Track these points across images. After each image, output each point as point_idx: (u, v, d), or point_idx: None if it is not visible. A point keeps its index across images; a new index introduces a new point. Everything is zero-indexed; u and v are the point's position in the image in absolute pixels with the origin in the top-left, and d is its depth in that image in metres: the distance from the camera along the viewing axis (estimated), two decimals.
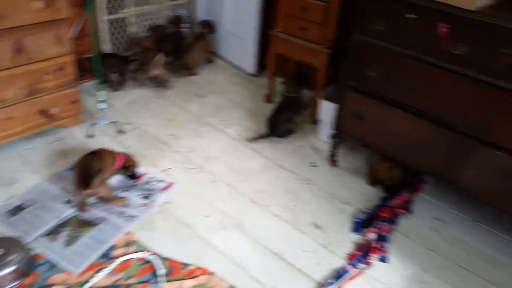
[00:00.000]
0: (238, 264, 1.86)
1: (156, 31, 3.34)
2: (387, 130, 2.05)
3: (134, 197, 2.15)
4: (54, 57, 2.37)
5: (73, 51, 2.49)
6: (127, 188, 2.20)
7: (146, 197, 2.15)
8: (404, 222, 2.12)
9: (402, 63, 1.87)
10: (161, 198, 2.14)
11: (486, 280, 1.84)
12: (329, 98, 2.41)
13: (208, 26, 3.40)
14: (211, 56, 3.54)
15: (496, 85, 1.61)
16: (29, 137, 2.52)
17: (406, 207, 2.16)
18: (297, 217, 2.11)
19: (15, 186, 2.20)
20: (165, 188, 2.20)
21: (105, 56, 3.03)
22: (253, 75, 3.32)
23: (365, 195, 2.27)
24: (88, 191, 1.98)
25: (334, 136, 2.32)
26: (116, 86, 3.07)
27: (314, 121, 2.71)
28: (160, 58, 3.01)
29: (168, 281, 1.73)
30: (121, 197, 2.14)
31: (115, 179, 2.24)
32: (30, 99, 2.38)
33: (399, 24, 1.82)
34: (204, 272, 1.78)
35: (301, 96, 2.72)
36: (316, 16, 2.46)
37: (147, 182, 2.24)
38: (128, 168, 2.17)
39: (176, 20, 3.46)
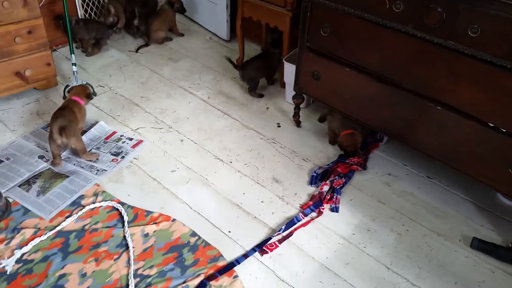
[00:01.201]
0: (199, 212, 2.01)
1: None
2: (340, 89, 2.17)
3: (105, 153, 2.27)
4: (23, 20, 2.44)
5: (45, 17, 2.56)
6: (98, 145, 2.32)
7: (115, 154, 2.27)
8: (358, 177, 2.27)
9: (348, 22, 1.97)
10: (131, 155, 2.27)
11: (429, 229, 2.00)
12: (292, 61, 2.51)
13: (177, 4, 3.31)
14: (176, 33, 3.45)
15: (429, 40, 1.73)
16: (5, 98, 2.62)
17: (361, 164, 2.31)
18: (258, 172, 2.26)
19: None
20: (134, 146, 2.33)
21: (85, 21, 3.10)
22: (226, 40, 3.40)
23: (325, 152, 2.41)
24: (60, 142, 2.10)
25: (294, 97, 2.44)
26: (91, 50, 3.15)
27: (283, 85, 2.82)
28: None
29: (131, 226, 1.88)
30: (93, 152, 2.26)
31: (88, 137, 2.36)
32: (2, 61, 2.46)
33: None
34: (166, 218, 1.93)
35: (279, 53, 2.81)
36: None
37: (118, 140, 2.36)
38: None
39: None
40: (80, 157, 2.22)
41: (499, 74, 1.60)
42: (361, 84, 2.07)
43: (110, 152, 2.28)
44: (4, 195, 1.95)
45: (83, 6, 3.26)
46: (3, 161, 2.18)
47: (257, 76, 2.79)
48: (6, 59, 2.48)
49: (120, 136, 2.39)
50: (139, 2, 3.39)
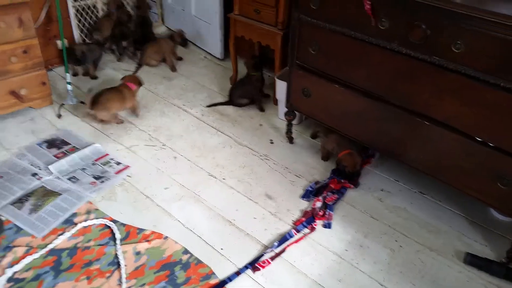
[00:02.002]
0: (191, 229, 2.01)
1: (116, 15, 3.35)
2: (330, 105, 2.20)
3: (87, 175, 2.26)
4: (18, 40, 2.48)
5: (40, 37, 2.60)
6: (85, 166, 2.32)
7: (97, 178, 2.26)
8: (351, 193, 2.28)
9: (336, 40, 2.01)
10: (112, 181, 2.24)
11: (422, 245, 2.01)
12: (284, 78, 2.55)
13: (177, 38, 3.31)
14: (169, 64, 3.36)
15: (414, 57, 1.77)
16: (0, 117, 2.64)
17: (354, 182, 2.31)
18: (250, 188, 2.27)
19: None
20: (119, 172, 2.31)
21: (88, 49, 3.09)
22: (220, 59, 3.44)
23: (317, 168, 2.42)
24: (91, 111, 2.61)
25: (286, 114, 2.47)
26: (93, 72, 3.17)
27: (275, 102, 2.86)
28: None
29: (123, 244, 1.88)
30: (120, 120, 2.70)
31: (78, 156, 2.37)
32: None
33: (330, 2, 1.96)
34: (158, 236, 1.93)
35: (260, 75, 2.88)
36: None
37: (106, 163, 2.36)
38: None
39: (142, 5, 3.46)
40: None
41: (482, 88, 1.64)
42: (349, 100, 2.10)
43: (92, 175, 2.27)
44: None
45: (78, 26, 3.31)
46: None
47: (244, 100, 2.89)
48: (1, 78, 2.51)
49: (110, 159, 2.39)
50: (133, 23, 3.43)
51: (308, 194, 2.22)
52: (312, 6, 2.03)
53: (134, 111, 2.78)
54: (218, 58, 3.46)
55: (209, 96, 3.03)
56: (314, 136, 2.65)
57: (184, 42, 3.35)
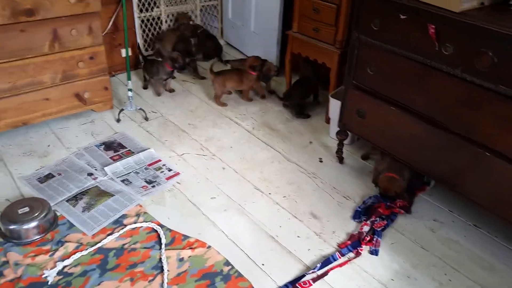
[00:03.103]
0: (234, 241, 2.01)
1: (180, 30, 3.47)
2: (386, 128, 2.14)
3: (140, 179, 2.34)
4: (87, 47, 2.64)
5: (106, 44, 2.75)
6: (138, 170, 2.40)
7: (148, 182, 2.33)
8: (402, 220, 2.19)
9: (395, 62, 1.96)
10: (162, 186, 2.30)
11: (474, 282, 1.88)
12: (338, 97, 2.52)
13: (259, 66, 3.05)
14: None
15: (479, 85, 1.68)
16: (63, 118, 2.81)
17: (405, 208, 2.23)
18: (296, 206, 2.24)
19: (47, 158, 2.47)
20: (169, 178, 2.37)
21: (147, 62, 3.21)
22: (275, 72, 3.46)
23: (367, 192, 2.35)
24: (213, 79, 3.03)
25: (338, 133, 2.43)
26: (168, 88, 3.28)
27: (328, 120, 2.83)
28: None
29: (168, 249, 1.91)
30: (223, 103, 3.07)
31: (133, 160, 2.46)
32: (64, 83, 2.66)
33: (392, 24, 1.92)
34: (202, 245, 1.95)
35: (314, 78, 3.00)
36: (327, 17, 2.59)
37: (158, 168, 2.43)
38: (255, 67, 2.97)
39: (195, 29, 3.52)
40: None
41: None
42: (406, 124, 2.03)
43: (144, 179, 2.34)
44: (52, 208, 2.06)
45: (142, 36, 3.47)
46: (55, 176, 2.31)
47: (301, 100, 2.97)
48: (69, 81, 2.67)
49: (162, 165, 2.45)
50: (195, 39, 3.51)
51: (359, 215, 2.16)
52: (373, 26, 2.00)
53: (246, 94, 3.13)
54: None
55: (261, 110, 3.06)
56: (365, 158, 2.59)
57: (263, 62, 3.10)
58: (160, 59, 3.27)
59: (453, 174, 1.94)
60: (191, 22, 3.62)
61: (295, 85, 3.01)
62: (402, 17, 1.88)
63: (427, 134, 1.96)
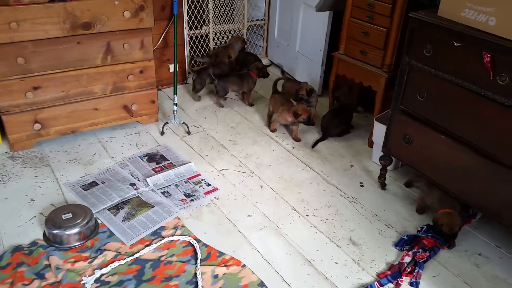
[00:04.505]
0: (270, 262, 1.98)
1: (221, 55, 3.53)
2: (433, 156, 2.06)
3: (180, 192, 2.37)
4: (138, 61, 2.73)
5: (155, 59, 2.84)
6: (178, 183, 2.43)
7: (187, 195, 2.35)
8: (445, 253, 2.08)
9: (447, 89, 1.90)
10: (201, 200, 2.32)
11: None
12: (383, 121, 2.46)
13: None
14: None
15: None
16: (110, 128, 2.90)
17: (449, 242, 2.12)
18: (334, 230, 2.19)
19: (92, 166, 2.55)
20: (208, 193, 2.38)
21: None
22: (318, 95, 3.44)
23: (410, 221, 2.27)
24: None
25: (382, 158, 2.37)
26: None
27: (370, 144, 2.77)
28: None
29: (203, 265, 1.91)
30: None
31: (174, 173, 2.50)
32: (114, 95, 2.75)
33: (445, 51, 1.87)
34: (237, 263, 1.93)
35: (352, 104, 2.96)
36: (376, 41, 2.55)
37: (197, 183, 2.45)
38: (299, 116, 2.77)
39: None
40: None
41: None
42: (457, 154, 1.95)
43: (184, 192, 2.36)
44: (94, 216, 2.11)
45: (190, 52, 3.56)
46: (99, 184, 2.38)
47: (341, 131, 2.94)
48: (118, 93, 2.77)
49: (201, 180, 2.47)
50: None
51: (402, 244, 2.08)
52: (425, 52, 1.95)
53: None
54: None
55: (301, 130, 3.04)
56: (409, 185, 2.50)
57: (310, 92, 3.02)
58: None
59: (503, 208, 1.84)
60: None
61: (330, 116, 2.91)
62: (456, 44, 1.82)
63: (478, 166, 1.88)
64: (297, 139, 2.92)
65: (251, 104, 3.33)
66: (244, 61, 3.56)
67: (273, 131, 2.98)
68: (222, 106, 3.29)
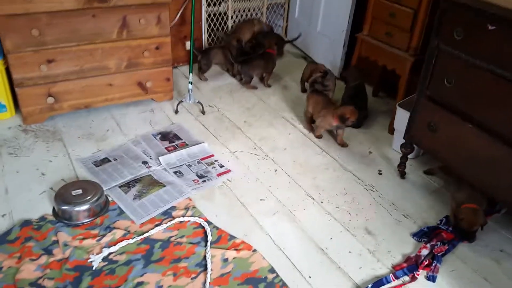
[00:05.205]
0: (281, 248, 1.92)
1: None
2: (459, 146, 1.96)
3: (192, 172, 2.31)
4: (154, 37, 2.66)
5: (172, 36, 2.76)
6: (191, 163, 2.38)
7: (200, 176, 2.29)
8: (464, 247, 2.00)
9: (479, 76, 1.78)
10: (213, 181, 2.26)
11: None
12: (406, 107, 2.35)
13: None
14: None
15: None
16: (124, 104, 2.85)
17: (469, 237, 2.03)
18: (350, 219, 2.11)
19: (105, 143, 2.51)
20: (220, 174, 2.32)
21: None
22: (338, 78, 3.33)
23: (428, 212, 2.18)
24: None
25: (403, 146, 2.27)
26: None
27: (391, 131, 2.66)
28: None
29: (213, 248, 1.86)
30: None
31: (187, 152, 2.45)
32: (128, 71, 2.69)
33: (477, 35, 1.74)
34: (247, 247, 1.88)
35: (362, 84, 2.79)
36: (403, 22, 2.43)
37: (210, 164, 2.39)
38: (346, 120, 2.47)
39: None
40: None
41: None
42: (485, 145, 1.84)
43: (196, 173, 2.31)
44: (105, 193, 2.08)
45: (207, 30, 3.47)
46: (111, 161, 2.34)
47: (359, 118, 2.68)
48: (133, 69, 2.71)
49: (214, 161, 2.41)
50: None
51: (421, 235, 2.00)
52: (455, 36, 1.83)
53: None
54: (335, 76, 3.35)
55: None
56: (429, 173, 2.39)
57: (325, 74, 2.91)
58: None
59: None
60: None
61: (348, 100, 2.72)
62: (490, 27, 1.70)
63: (507, 157, 1.77)
64: (343, 145, 2.60)
65: (269, 85, 3.23)
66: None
67: (319, 137, 2.68)
68: (256, 88, 3.20)
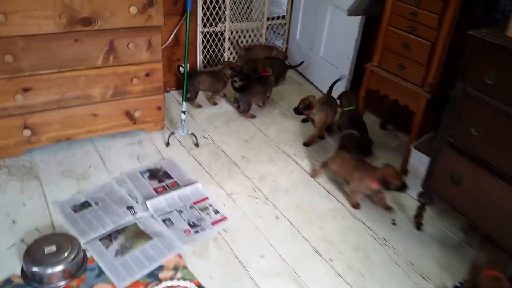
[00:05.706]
0: None
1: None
2: (485, 201, 1.73)
3: (183, 220, 2.06)
4: (143, 63, 2.41)
5: (164, 59, 2.51)
6: (182, 208, 2.12)
7: (192, 225, 2.03)
8: None
9: (510, 126, 1.56)
10: (207, 232, 2.00)
11: None
12: (423, 149, 2.12)
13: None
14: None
15: None
16: (111, 135, 2.58)
17: None
18: (363, 282, 1.86)
19: (86, 182, 2.24)
20: (215, 223, 2.06)
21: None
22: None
23: (451, 272, 1.93)
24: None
25: (421, 195, 2.03)
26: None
27: (404, 171, 2.42)
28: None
29: None
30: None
31: (178, 195, 2.19)
32: (115, 100, 2.44)
33: None
34: None
35: (357, 109, 2.64)
36: (418, 55, 2.20)
37: (204, 209, 2.13)
38: (389, 184, 2.06)
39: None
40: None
41: None
42: None
43: (188, 221, 2.05)
44: (83, 247, 1.81)
45: (203, 52, 3.23)
46: (91, 205, 2.07)
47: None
48: (120, 98, 2.45)
49: (209, 205, 2.16)
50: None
51: None
52: (486, 80, 1.61)
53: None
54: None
55: (323, 148, 2.70)
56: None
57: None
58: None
59: None
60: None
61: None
62: None
63: None
64: (387, 208, 2.24)
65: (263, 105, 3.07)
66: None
67: (355, 206, 2.25)
68: (255, 117, 2.96)
